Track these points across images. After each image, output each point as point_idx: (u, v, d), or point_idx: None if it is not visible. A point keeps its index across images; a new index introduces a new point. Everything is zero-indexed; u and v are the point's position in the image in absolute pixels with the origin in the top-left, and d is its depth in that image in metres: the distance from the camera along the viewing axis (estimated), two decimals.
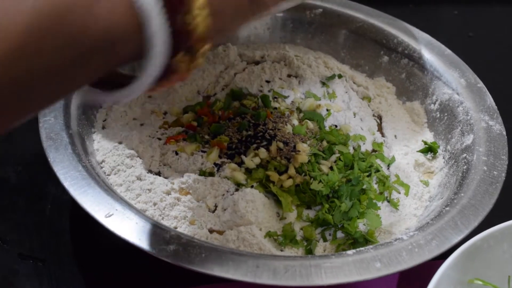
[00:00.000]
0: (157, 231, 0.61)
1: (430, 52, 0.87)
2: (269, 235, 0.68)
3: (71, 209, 0.77)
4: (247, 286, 0.59)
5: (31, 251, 0.73)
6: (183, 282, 0.68)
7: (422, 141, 0.81)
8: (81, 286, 0.71)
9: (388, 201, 0.74)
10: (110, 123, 0.79)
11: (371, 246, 0.63)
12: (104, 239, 0.66)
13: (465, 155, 0.74)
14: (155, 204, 0.69)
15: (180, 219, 0.68)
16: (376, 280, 0.61)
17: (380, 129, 0.84)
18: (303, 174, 0.72)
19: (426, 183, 0.77)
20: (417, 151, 0.80)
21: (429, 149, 0.80)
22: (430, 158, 0.80)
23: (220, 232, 0.68)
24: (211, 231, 0.68)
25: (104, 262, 0.72)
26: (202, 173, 0.73)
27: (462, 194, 0.68)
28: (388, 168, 0.78)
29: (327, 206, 0.71)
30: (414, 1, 1.17)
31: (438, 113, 0.83)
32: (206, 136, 0.76)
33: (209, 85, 0.85)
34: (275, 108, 0.80)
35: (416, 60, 0.87)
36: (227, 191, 0.71)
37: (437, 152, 0.80)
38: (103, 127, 0.78)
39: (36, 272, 0.72)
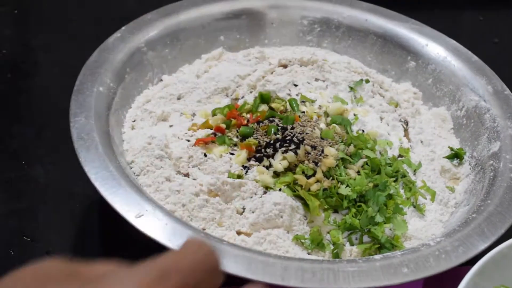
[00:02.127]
0: (187, 233, 0.62)
1: (457, 58, 0.87)
2: (296, 238, 0.68)
3: (100, 209, 0.78)
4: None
5: (59, 250, 0.74)
6: None
7: (448, 147, 0.81)
8: None
9: (414, 207, 0.75)
10: (139, 123, 0.79)
11: (398, 252, 0.64)
12: (132, 239, 0.66)
13: (491, 162, 0.75)
14: (183, 205, 0.70)
15: (208, 220, 0.69)
16: (400, 287, 0.61)
17: (406, 134, 0.84)
18: (331, 178, 0.73)
19: (452, 189, 0.77)
20: (443, 157, 0.80)
21: (455, 155, 0.80)
22: (456, 164, 0.80)
23: (248, 234, 0.69)
24: (238, 233, 0.69)
25: (132, 262, 0.73)
26: (231, 175, 0.73)
27: (489, 201, 0.69)
28: (414, 174, 0.78)
29: (354, 210, 0.71)
30: (439, 6, 1.17)
31: (464, 119, 0.83)
32: (235, 139, 0.77)
33: (238, 87, 0.86)
34: (303, 112, 0.80)
35: (443, 66, 0.88)
36: (255, 194, 0.71)
37: (463, 158, 0.80)
38: (132, 128, 0.79)
39: None
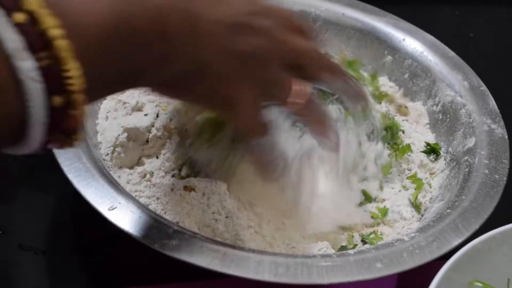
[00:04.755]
0: (160, 226, 0.62)
1: (434, 53, 0.87)
2: None
3: (73, 201, 0.77)
4: (248, 282, 0.59)
5: (32, 242, 0.73)
6: (184, 277, 0.68)
7: (425, 142, 0.81)
8: (82, 278, 0.71)
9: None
10: (113, 114, 0.78)
11: (372, 247, 0.64)
12: (106, 232, 0.66)
13: (467, 157, 0.75)
14: (158, 198, 0.69)
15: (183, 214, 0.68)
16: (374, 282, 0.61)
17: None
18: None
19: (429, 184, 0.77)
20: (421, 152, 0.80)
21: (432, 151, 0.81)
22: (433, 159, 0.80)
23: None
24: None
25: (105, 255, 0.72)
26: None
27: (464, 197, 0.69)
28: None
29: None
30: (416, 1, 1.17)
31: (440, 114, 0.83)
32: None
33: None
34: None
35: (420, 61, 0.88)
36: None
37: (440, 153, 0.80)
38: (107, 118, 0.78)
39: (36, 264, 0.72)
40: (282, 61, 0.61)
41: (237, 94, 0.59)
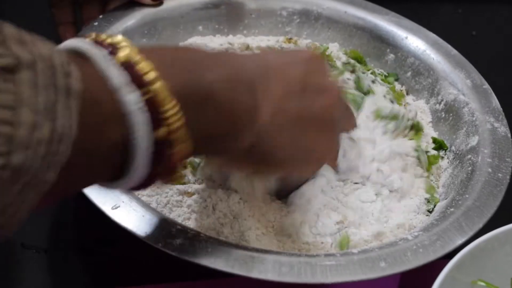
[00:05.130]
0: (164, 225, 0.61)
1: (437, 51, 0.87)
2: None
3: (76, 199, 0.77)
4: (251, 282, 0.59)
5: (34, 241, 0.73)
6: (188, 276, 0.68)
7: (432, 137, 0.81)
8: (83, 277, 0.71)
9: None
10: None
11: (376, 246, 0.63)
12: (108, 231, 0.66)
13: (470, 156, 0.75)
14: (160, 196, 0.70)
15: (186, 213, 0.68)
16: (378, 280, 0.61)
17: None
18: None
19: (437, 185, 0.77)
20: (433, 148, 0.80)
21: (440, 147, 0.81)
22: (443, 155, 0.80)
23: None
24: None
25: (107, 253, 0.72)
26: None
27: (467, 196, 0.69)
28: None
29: None
30: None
31: (443, 113, 0.83)
32: None
33: None
34: None
35: (422, 59, 0.87)
36: None
37: (448, 148, 0.80)
38: None
39: (38, 262, 0.72)
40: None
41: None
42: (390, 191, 0.74)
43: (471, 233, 0.65)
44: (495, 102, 0.80)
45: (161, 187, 0.70)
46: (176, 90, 0.47)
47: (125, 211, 0.62)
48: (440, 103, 0.84)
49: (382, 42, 0.91)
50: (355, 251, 0.62)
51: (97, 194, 0.63)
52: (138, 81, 0.45)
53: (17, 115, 0.36)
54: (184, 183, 0.71)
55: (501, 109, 0.79)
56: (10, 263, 0.71)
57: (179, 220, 0.68)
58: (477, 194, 0.69)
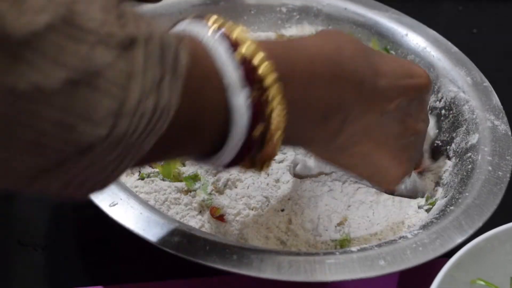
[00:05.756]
0: (162, 222, 0.61)
1: (437, 49, 0.87)
2: None
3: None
4: (250, 280, 0.59)
5: (31, 238, 0.73)
6: (186, 274, 0.68)
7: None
8: (81, 275, 0.71)
9: None
10: None
11: (375, 244, 0.63)
12: (106, 228, 0.65)
13: (470, 154, 0.74)
14: (158, 193, 0.69)
15: (184, 210, 0.68)
16: (376, 278, 0.61)
17: None
18: None
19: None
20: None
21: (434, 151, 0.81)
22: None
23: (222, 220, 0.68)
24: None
25: (106, 251, 0.72)
26: None
27: (467, 194, 0.68)
28: None
29: None
30: None
31: (443, 110, 0.82)
32: None
33: None
34: None
35: (422, 57, 0.87)
36: None
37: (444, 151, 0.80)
38: None
39: (36, 260, 0.71)
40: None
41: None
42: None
43: (470, 232, 0.64)
44: (496, 100, 0.80)
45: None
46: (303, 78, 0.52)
47: (123, 208, 0.62)
48: (440, 101, 0.83)
49: (382, 39, 0.91)
50: (354, 249, 0.62)
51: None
52: (253, 79, 0.48)
53: (127, 89, 0.38)
54: (181, 181, 0.71)
55: (502, 107, 0.79)
56: (7, 260, 0.71)
57: (177, 217, 0.68)
58: (477, 193, 0.68)
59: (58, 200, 0.76)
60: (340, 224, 0.69)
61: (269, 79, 0.48)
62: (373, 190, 0.73)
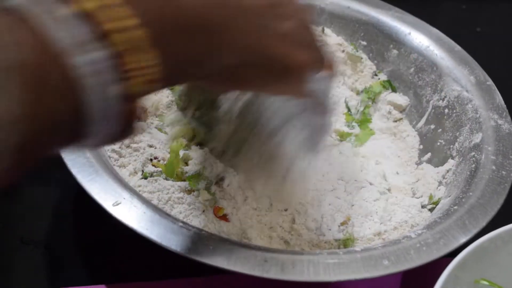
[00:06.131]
0: (165, 221, 0.61)
1: (440, 47, 0.87)
2: None
3: (76, 194, 0.76)
4: (254, 279, 0.58)
5: (33, 236, 0.73)
6: (189, 273, 0.68)
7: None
8: (83, 273, 0.71)
9: None
10: None
11: (379, 244, 0.63)
12: (108, 227, 0.65)
13: (473, 153, 0.74)
14: (161, 192, 0.69)
15: (187, 210, 0.68)
16: (380, 278, 0.61)
17: None
18: None
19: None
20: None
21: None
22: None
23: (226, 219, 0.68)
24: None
25: (108, 250, 0.72)
26: None
27: (471, 193, 0.68)
28: None
29: None
30: None
31: (446, 109, 0.82)
32: None
33: None
34: None
35: (425, 56, 0.87)
36: None
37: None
38: None
39: (38, 257, 0.71)
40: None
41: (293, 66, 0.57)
42: (393, 189, 0.74)
43: (474, 232, 0.64)
44: (499, 99, 0.80)
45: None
46: (154, 27, 0.44)
47: (126, 208, 0.62)
48: (443, 100, 0.83)
49: (385, 38, 0.91)
50: (358, 249, 0.62)
51: (98, 191, 0.63)
52: (101, 32, 0.40)
53: None
54: (184, 180, 0.71)
55: (505, 106, 0.79)
56: (10, 258, 0.71)
57: (181, 217, 0.67)
58: (480, 192, 0.68)
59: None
60: (343, 223, 0.69)
61: (123, 24, 0.42)
62: (376, 189, 0.73)
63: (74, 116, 0.40)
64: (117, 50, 0.41)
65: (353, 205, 0.71)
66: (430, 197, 0.74)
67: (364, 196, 0.72)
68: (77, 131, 0.42)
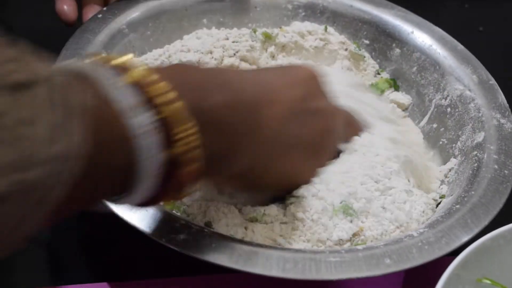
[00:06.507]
0: (167, 220, 0.61)
1: (443, 47, 0.87)
2: None
3: None
4: (255, 277, 0.58)
5: (36, 234, 0.72)
6: (191, 271, 0.68)
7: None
8: (85, 271, 0.71)
9: None
10: None
11: (381, 243, 0.63)
12: (111, 225, 0.65)
13: (475, 152, 0.74)
14: None
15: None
16: (382, 278, 0.61)
17: None
18: None
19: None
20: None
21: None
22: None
23: None
24: None
25: (110, 248, 0.72)
26: None
27: (473, 192, 0.68)
28: None
29: None
30: None
31: (449, 108, 0.82)
32: None
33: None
34: None
35: (428, 55, 0.87)
36: None
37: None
38: None
39: (40, 255, 0.71)
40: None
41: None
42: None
43: (476, 230, 0.64)
44: (502, 98, 0.80)
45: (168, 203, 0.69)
46: (192, 110, 0.48)
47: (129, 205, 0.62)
48: (446, 99, 0.83)
49: (388, 37, 0.91)
50: (360, 247, 0.62)
51: None
52: (150, 102, 0.45)
53: (34, 131, 0.35)
54: None
55: (508, 105, 0.79)
56: (12, 256, 0.71)
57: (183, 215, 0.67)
58: (483, 191, 0.68)
59: None
60: (355, 235, 0.68)
61: (167, 97, 0.46)
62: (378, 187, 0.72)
63: (124, 171, 0.45)
64: (164, 117, 0.45)
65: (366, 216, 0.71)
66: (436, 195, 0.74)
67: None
68: (123, 186, 0.47)
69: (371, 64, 0.90)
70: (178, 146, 0.46)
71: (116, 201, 0.50)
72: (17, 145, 0.34)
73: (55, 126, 0.36)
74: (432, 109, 0.85)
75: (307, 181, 0.66)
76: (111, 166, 0.44)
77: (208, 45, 0.85)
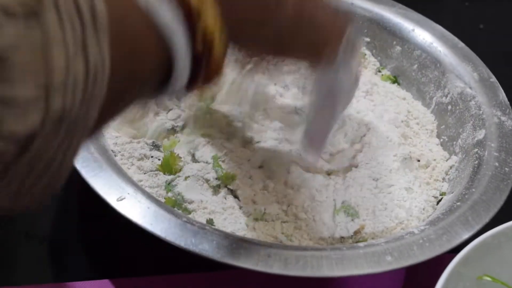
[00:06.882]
0: (169, 217, 0.61)
1: (444, 44, 0.87)
2: None
3: (80, 189, 0.76)
4: (257, 274, 0.59)
5: (38, 231, 0.73)
6: (193, 268, 0.68)
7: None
8: (87, 268, 0.71)
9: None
10: None
11: (382, 240, 0.63)
12: (112, 222, 0.65)
13: (476, 150, 0.74)
14: (159, 188, 0.70)
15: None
16: (383, 274, 0.61)
17: None
18: None
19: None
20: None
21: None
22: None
23: None
24: None
25: (112, 245, 0.72)
26: None
27: (473, 190, 0.68)
28: None
29: None
30: None
31: (450, 106, 0.82)
32: None
33: None
34: None
35: (429, 52, 0.87)
36: None
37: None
38: None
39: (42, 252, 0.71)
40: None
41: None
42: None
43: (477, 228, 0.64)
44: (502, 95, 0.80)
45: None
46: None
47: (130, 203, 0.62)
48: (446, 96, 0.83)
49: (389, 35, 0.91)
50: (361, 245, 0.62)
51: (102, 186, 0.63)
52: None
53: (49, 59, 0.33)
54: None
55: (508, 102, 0.79)
56: (14, 252, 0.71)
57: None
58: (483, 189, 0.68)
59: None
60: (357, 233, 0.69)
61: None
62: (380, 186, 0.72)
63: (158, 64, 0.44)
64: (193, 6, 0.44)
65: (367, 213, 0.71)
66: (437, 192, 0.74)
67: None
68: (157, 81, 0.45)
69: (372, 62, 0.90)
70: (201, 29, 0.45)
71: (158, 94, 0.48)
72: (34, 71, 0.32)
73: (69, 50, 0.34)
74: (432, 106, 0.85)
75: (337, 36, 0.63)
76: (142, 67, 0.43)
77: None
